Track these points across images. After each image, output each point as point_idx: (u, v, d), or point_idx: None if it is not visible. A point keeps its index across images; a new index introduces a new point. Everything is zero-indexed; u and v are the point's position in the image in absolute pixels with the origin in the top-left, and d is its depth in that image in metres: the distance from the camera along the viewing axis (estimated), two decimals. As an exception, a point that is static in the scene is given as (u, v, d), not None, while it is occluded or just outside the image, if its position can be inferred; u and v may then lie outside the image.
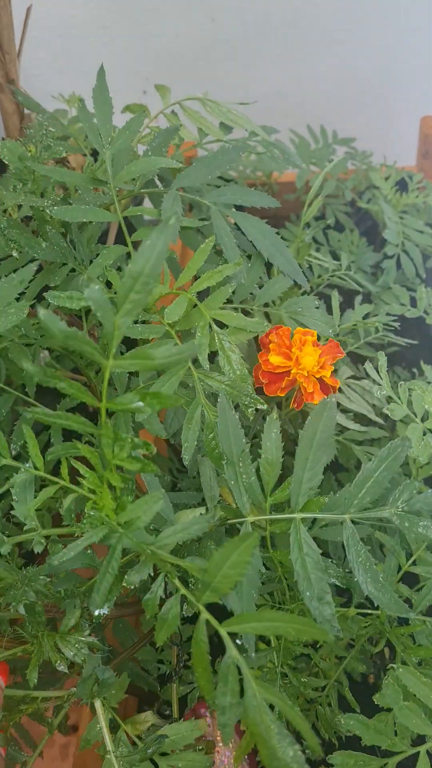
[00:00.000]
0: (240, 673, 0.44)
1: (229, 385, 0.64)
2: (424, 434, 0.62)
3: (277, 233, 0.73)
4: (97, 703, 0.59)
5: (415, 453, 0.60)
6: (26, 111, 0.93)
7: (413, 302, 1.01)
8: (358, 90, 1.53)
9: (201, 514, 0.62)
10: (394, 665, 0.49)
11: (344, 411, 0.83)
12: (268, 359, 0.68)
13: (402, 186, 1.17)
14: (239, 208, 0.73)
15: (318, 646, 0.70)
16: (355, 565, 0.54)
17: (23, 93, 0.84)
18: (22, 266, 0.58)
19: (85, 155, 0.92)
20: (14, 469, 0.57)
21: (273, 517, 0.58)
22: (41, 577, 0.57)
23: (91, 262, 0.68)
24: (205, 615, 0.46)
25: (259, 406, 0.65)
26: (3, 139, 0.79)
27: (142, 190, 0.70)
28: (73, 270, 0.68)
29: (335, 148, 1.23)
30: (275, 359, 0.67)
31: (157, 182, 0.79)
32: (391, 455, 0.55)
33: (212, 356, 0.66)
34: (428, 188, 1.15)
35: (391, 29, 1.42)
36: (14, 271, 0.59)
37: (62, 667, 0.58)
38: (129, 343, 0.75)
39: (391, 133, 1.51)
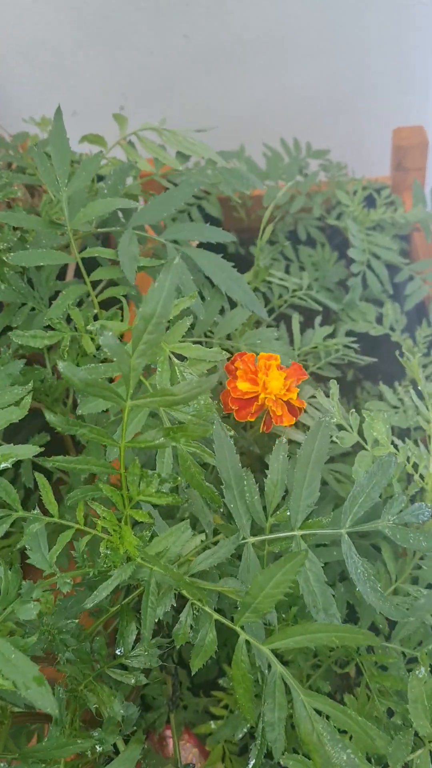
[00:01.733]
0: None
1: (194, 415, 0.66)
2: (373, 461, 0.64)
3: (234, 266, 0.75)
4: (120, 742, 0.59)
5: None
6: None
7: (380, 318, 1.03)
8: (337, 102, 1.54)
9: (202, 540, 0.64)
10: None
11: (306, 428, 0.86)
12: (237, 386, 0.69)
13: (370, 201, 1.18)
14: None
15: (285, 662, 0.72)
16: (354, 576, 0.56)
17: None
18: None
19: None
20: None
21: (274, 536, 0.59)
22: (68, 621, 0.58)
23: (50, 300, 0.71)
24: (243, 635, 0.49)
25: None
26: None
27: (98, 230, 0.72)
28: (33, 309, 0.70)
29: (308, 162, 1.25)
30: (243, 385, 0.69)
31: (119, 214, 0.81)
32: (380, 470, 0.57)
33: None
34: (396, 203, 1.17)
35: (368, 44, 1.43)
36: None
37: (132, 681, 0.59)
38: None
39: (367, 145, 1.52)
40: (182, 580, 0.50)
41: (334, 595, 0.54)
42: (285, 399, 0.70)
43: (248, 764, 0.56)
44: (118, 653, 0.57)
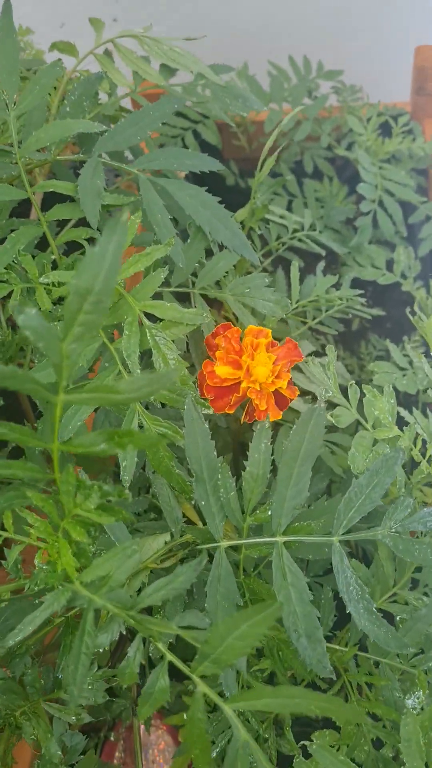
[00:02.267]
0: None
1: (168, 390, 0.56)
2: (374, 444, 0.54)
3: (220, 202, 0.64)
4: None
5: (358, 468, 0.53)
6: None
7: (391, 264, 0.92)
8: (353, 17, 1.40)
9: (166, 541, 0.55)
10: (306, 742, 0.42)
11: (303, 393, 0.75)
12: (214, 371, 0.58)
13: (386, 130, 1.05)
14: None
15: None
16: (345, 595, 0.48)
17: None
18: None
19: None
20: None
21: (252, 541, 0.51)
22: None
23: (1, 241, 0.60)
24: (202, 688, 0.40)
25: (205, 411, 0.57)
26: None
27: (59, 158, 0.61)
28: (-19, 252, 0.60)
29: (319, 83, 1.11)
30: (222, 370, 0.58)
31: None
32: (383, 468, 0.49)
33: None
34: (415, 132, 1.04)
35: None
36: None
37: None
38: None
39: (386, 65, 1.38)
40: (126, 619, 0.41)
41: (319, 618, 0.45)
42: (273, 388, 0.58)
43: None
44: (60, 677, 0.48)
